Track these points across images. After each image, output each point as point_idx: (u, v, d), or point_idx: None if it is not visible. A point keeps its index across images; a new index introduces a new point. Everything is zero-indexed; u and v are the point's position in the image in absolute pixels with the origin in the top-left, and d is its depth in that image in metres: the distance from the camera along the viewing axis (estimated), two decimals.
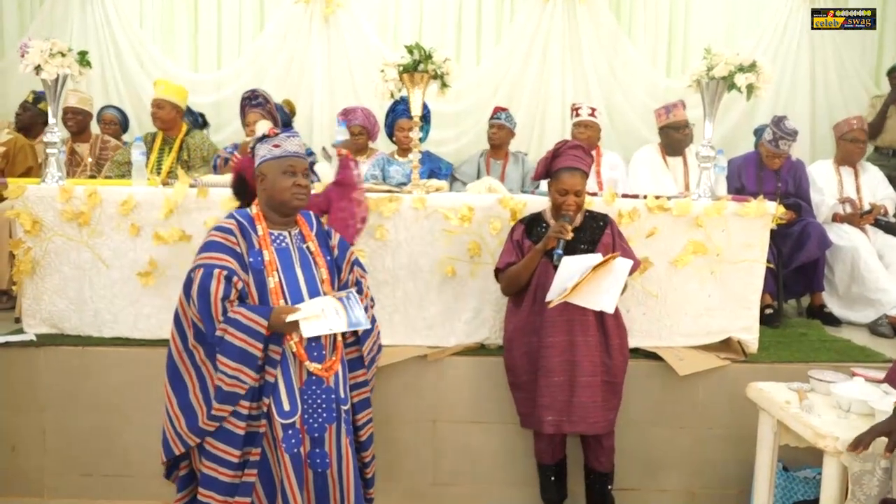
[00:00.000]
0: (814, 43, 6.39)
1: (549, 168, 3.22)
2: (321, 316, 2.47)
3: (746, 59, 3.69)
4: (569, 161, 3.13)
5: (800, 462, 3.40)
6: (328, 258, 2.69)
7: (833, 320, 4.63)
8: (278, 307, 2.47)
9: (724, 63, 3.67)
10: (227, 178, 3.72)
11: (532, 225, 3.31)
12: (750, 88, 3.70)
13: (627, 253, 3.23)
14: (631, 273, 3.20)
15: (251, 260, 2.52)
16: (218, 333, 2.41)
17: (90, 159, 5.14)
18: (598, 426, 3.18)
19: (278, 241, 2.60)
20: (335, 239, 2.77)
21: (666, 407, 3.60)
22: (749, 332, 3.75)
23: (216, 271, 2.44)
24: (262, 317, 2.42)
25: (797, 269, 4.62)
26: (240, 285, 2.47)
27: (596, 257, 3.01)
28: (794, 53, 6.38)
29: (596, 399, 3.15)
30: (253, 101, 4.35)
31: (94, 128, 5.53)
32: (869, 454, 2.52)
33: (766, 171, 4.83)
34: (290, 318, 2.43)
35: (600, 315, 3.14)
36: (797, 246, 4.57)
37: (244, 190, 2.77)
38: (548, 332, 3.16)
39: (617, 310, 3.24)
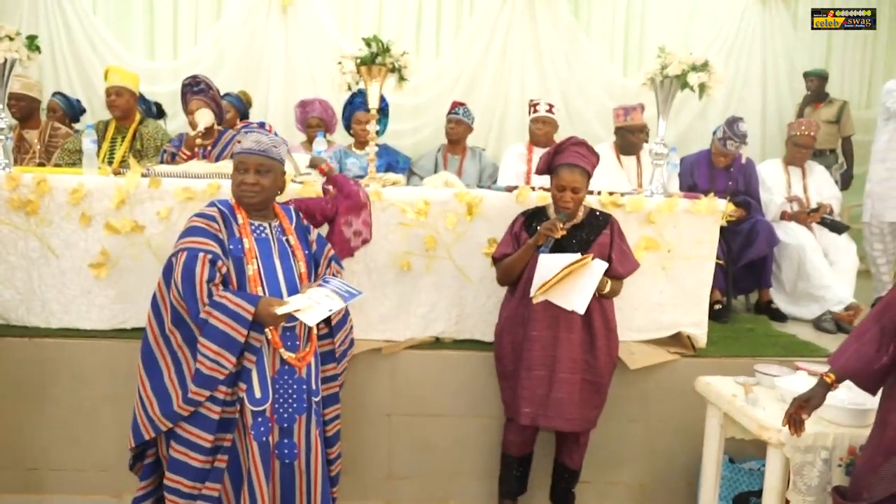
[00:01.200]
0: (766, 45, 6.55)
1: (551, 164, 3.21)
2: (313, 305, 2.48)
3: (699, 59, 3.76)
4: (570, 158, 3.12)
5: (745, 454, 3.49)
6: (307, 252, 2.73)
7: (780, 316, 4.75)
8: (267, 298, 2.48)
9: (677, 62, 3.73)
10: (180, 168, 3.69)
11: (532, 218, 3.31)
12: (702, 87, 3.78)
13: (626, 255, 3.23)
14: (627, 275, 3.23)
15: (231, 247, 2.55)
16: (202, 316, 2.42)
17: (39, 147, 5.02)
18: (573, 423, 3.19)
19: (258, 231, 2.63)
20: (314, 234, 2.82)
21: (617, 401, 3.65)
22: (698, 327, 3.83)
23: (201, 255, 2.46)
24: (248, 303, 2.43)
25: (746, 265, 4.72)
26: (224, 269, 2.51)
27: (570, 257, 3.00)
28: (747, 54, 6.54)
29: (573, 396, 3.16)
30: (194, 88, 4.23)
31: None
32: (810, 446, 2.60)
33: (717, 170, 4.92)
34: (281, 311, 2.43)
35: (588, 314, 3.12)
36: (746, 243, 4.68)
37: None
38: (533, 325, 3.17)
39: (609, 312, 3.26)
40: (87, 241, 3.56)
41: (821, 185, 5.14)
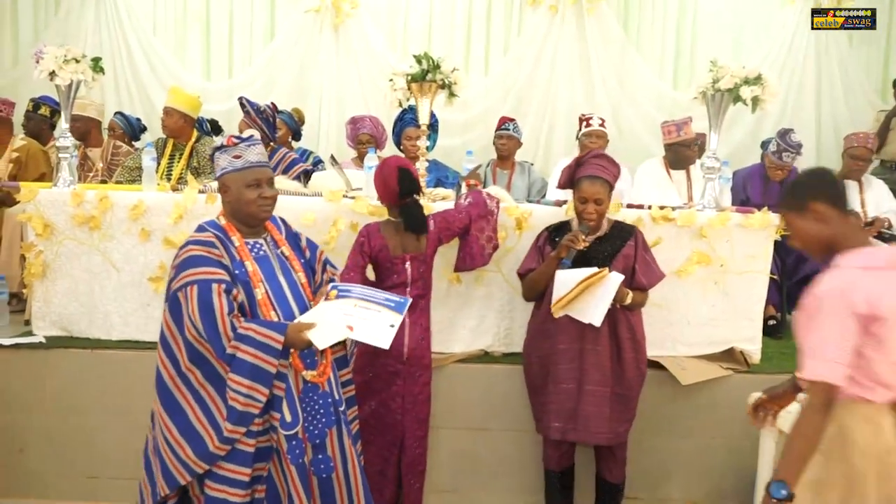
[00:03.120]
0: (819, 58, 6.44)
1: (573, 176, 3.23)
2: (339, 322, 2.43)
3: (752, 72, 3.72)
4: (591, 170, 3.14)
5: None
6: (302, 261, 2.65)
7: None
8: (295, 324, 2.39)
9: (729, 75, 3.70)
10: None
11: (556, 232, 3.32)
12: (755, 101, 3.73)
13: (650, 266, 3.23)
14: (651, 286, 3.22)
15: (236, 272, 2.43)
16: (229, 351, 2.31)
17: (101, 164, 5.20)
18: (602, 437, 3.18)
19: (256, 250, 2.52)
20: (304, 240, 2.74)
21: (668, 416, 3.62)
22: (752, 343, 3.78)
23: (215, 286, 2.33)
24: (277, 332, 2.33)
25: (801, 280, 4.63)
26: (239, 298, 2.40)
27: (586, 271, 3.00)
28: (801, 68, 6.43)
29: (603, 409, 3.15)
30: (243, 110, 4.43)
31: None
32: None
33: (771, 184, 4.85)
34: (321, 344, 2.34)
35: (613, 326, 3.14)
36: (801, 258, 4.58)
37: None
38: (559, 338, 3.18)
39: (635, 323, 3.25)
40: (147, 255, 3.67)
41: (879, 200, 5.02)
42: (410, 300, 2.64)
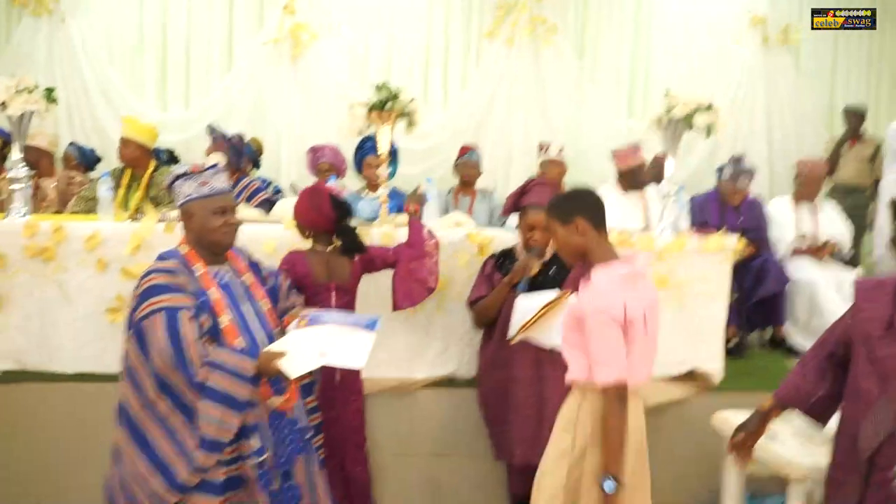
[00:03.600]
0: (769, 84, 6.63)
1: (517, 204, 3.28)
2: (311, 349, 2.42)
3: (704, 101, 3.82)
4: (535, 198, 3.20)
5: (765, 491, 3.45)
6: (265, 288, 2.64)
7: (795, 352, 4.72)
8: (265, 352, 2.37)
9: (682, 104, 3.79)
10: None
11: (503, 259, 3.36)
12: (709, 128, 3.83)
13: None
14: None
15: (200, 300, 2.39)
16: (199, 378, 2.28)
17: (54, 195, 5.10)
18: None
19: (219, 278, 2.49)
20: (264, 269, 2.73)
21: None
22: (713, 364, 3.82)
23: (181, 313, 2.30)
24: (248, 359, 2.32)
25: (759, 302, 4.71)
26: (207, 325, 2.37)
27: (548, 295, 3.01)
28: (752, 96, 6.63)
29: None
30: (212, 136, 4.41)
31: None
32: None
33: (727, 208, 4.95)
34: (293, 373, 2.32)
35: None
36: (757, 281, 4.68)
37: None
38: (516, 366, 3.18)
39: None
40: (103, 286, 3.59)
41: (831, 221, 5.15)
42: (380, 317, 2.63)
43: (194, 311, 2.34)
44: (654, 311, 2.48)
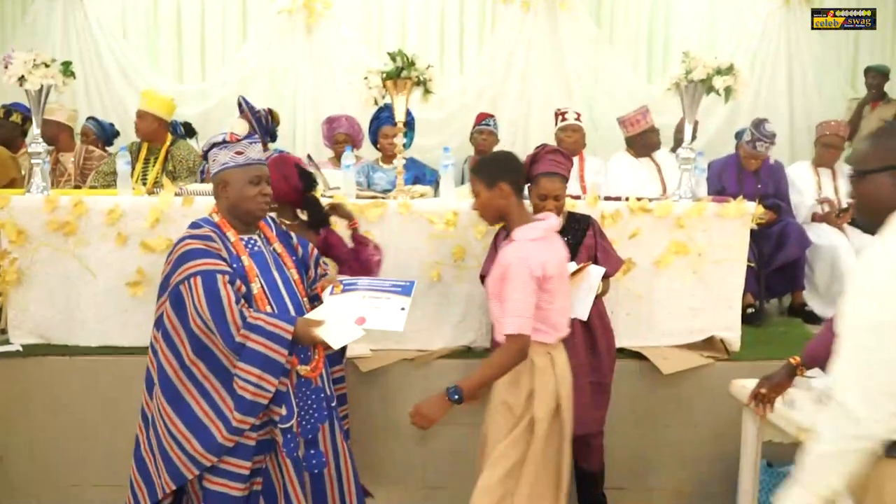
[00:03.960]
0: (791, 48, 6.50)
1: (529, 173, 3.23)
2: (347, 317, 2.46)
3: (724, 63, 3.76)
4: (548, 166, 3.13)
5: (784, 458, 3.44)
6: (294, 258, 2.66)
7: (814, 318, 4.68)
8: (304, 319, 2.41)
9: (701, 66, 3.73)
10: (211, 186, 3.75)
11: None
12: (728, 91, 3.77)
13: (609, 253, 3.26)
14: (614, 273, 3.24)
15: (233, 266, 2.42)
16: (239, 340, 2.31)
17: (74, 170, 5.14)
18: (583, 426, 3.18)
19: (251, 246, 2.53)
20: (294, 237, 2.76)
21: (651, 406, 3.64)
22: (731, 331, 3.81)
23: (219, 276, 2.33)
24: (286, 323, 2.35)
25: (778, 268, 4.68)
26: (243, 289, 2.40)
27: (569, 266, 2.98)
28: (773, 58, 6.49)
29: (582, 400, 3.15)
30: (240, 109, 4.41)
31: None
32: None
33: (745, 173, 4.89)
34: (336, 344, 2.41)
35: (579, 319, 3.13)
36: (777, 246, 4.64)
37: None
38: None
39: (603, 312, 3.28)
40: (123, 260, 3.64)
41: None
42: (416, 282, 2.65)
43: (231, 275, 2.37)
44: (565, 269, 2.70)
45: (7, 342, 3.72)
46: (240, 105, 4.44)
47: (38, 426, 3.59)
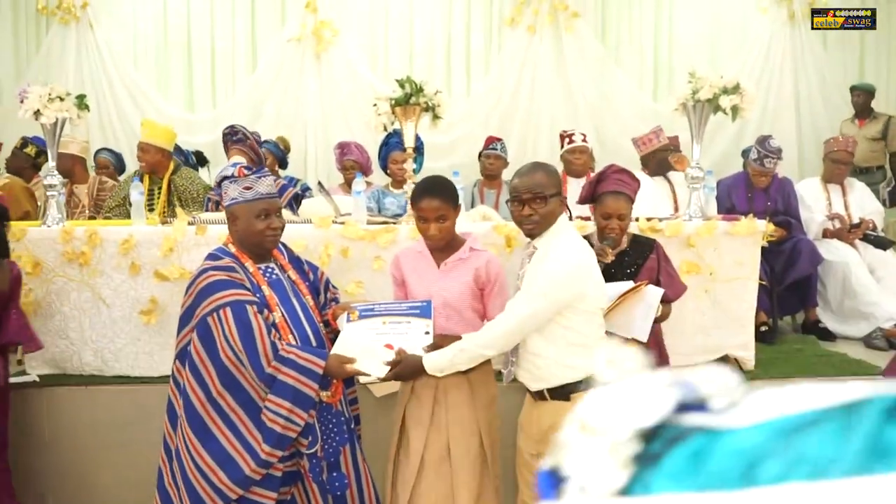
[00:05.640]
0: (796, 64, 6.53)
1: (594, 192, 3.19)
2: (375, 346, 2.47)
3: (730, 82, 3.77)
4: (613, 185, 3.10)
5: None
6: (307, 283, 2.68)
7: (828, 335, 4.67)
8: (335, 355, 2.44)
9: (708, 86, 3.74)
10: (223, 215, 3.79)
11: None
12: (735, 110, 3.78)
13: (673, 278, 3.19)
14: (675, 298, 3.16)
15: (256, 296, 2.44)
16: (269, 371, 2.32)
17: (88, 201, 5.20)
18: None
19: (269, 275, 2.55)
20: (305, 263, 2.78)
21: None
22: (745, 350, 3.80)
23: (248, 307, 2.35)
24: (318, 357, 2.37)
25: (790, 285, 4.67)
26: (270, 318, 2.42)
27: (625, 285, 2.95)
28: (778, 74, 6.52)
29: None
30: (233, 138, 4.38)
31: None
32: None
33: (755, 191, 4.90)
34: (380, 374, 2.44)
35: (638, 340, 3.05)
36: (789, 263, 4.63)
37: None
38: None
39: (660, 337, 3.22)
40: (137, 289, 3.66)
41: (862, 201, 5.09)
42: (431, 301, 2.61)
43: (258, 305, 2.39)
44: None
45: (24, 373, 3.74)
46: (235, 132, 4.41)
47: (57, 456, 3.61)
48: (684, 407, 0.42)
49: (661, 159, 4.98)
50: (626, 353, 0.46)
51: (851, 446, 0.36)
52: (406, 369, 2.50)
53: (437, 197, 2.65)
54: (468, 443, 2.69)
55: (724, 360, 3.78)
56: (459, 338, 2.58)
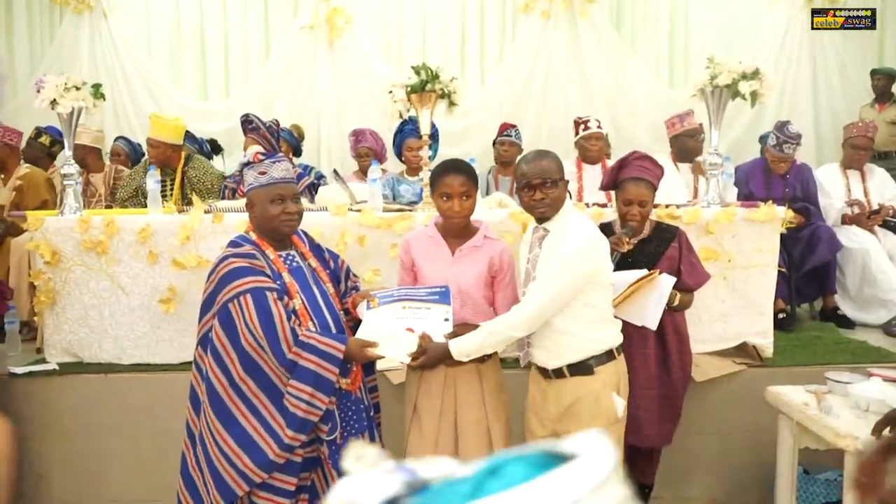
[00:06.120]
0: (814, 48, 6.47)
1: (616, 178, 3.16)
2: (396, 332, 2.48)
3: (749, 67, 3.74)
4: (634, 171, 3.07)
5: (820, 464, 3.41)
6: (328, 271, 2.68)
7: (847, 322, 4.64)
8: (355, 339, 2.45)
9: (727, 72, 3.71)
10: (241, 202, 3.78)
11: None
12: (754, 95, 3.74)
13: (695, 266, 3.16)
14: (697, 287, 3.15)
15: (277, 283, 2.45)
16: (290, 357, 2.34)
17: (104, 190, 5.22)
18: (650, 439, 3.14)
19: (289, 262, 2.55)
20: (326, 251, 2.78)
21: (684, 413, 3.60)
22: (764, 337, 3.78)
23: (269, 293, 2.36)
24: (338, 342, 2.38)
25: (809, 272, 4.63)
26: (291, 305, 2.43)
27: (636, 273, 2.93)
28: (796, 60, 6.46)
29: (651, 413, 3.10)
30: (249, 126, 4.38)
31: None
32: None
33: (773, 177, 4.86)
34: (404, 358, 2.46)
35: (660, 329, 3.06)
36: (808, 250, 4.59)
37: None
38: None
39: (681, 325, 3.20)
40: (155, 277, 3.68)
41: (882, 187, 5.03)
42: (448, 286, 2.62)
43: (278, 292, 2.40)
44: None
45: (44, 361, 3.77)
46: (249, 122, 4.41)
47: (77, 444, 3.63)
48: (412, 488, 0.59)
49: (682, 145, 4.93)
50: (370, 452, 0.61)
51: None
52: (431, 358, 2.51)
53: (462, 173, 2.71)
54: (478, 428, 2.71)
55: (743, 347, 3.76)
56: (476, 326, 2.59)
